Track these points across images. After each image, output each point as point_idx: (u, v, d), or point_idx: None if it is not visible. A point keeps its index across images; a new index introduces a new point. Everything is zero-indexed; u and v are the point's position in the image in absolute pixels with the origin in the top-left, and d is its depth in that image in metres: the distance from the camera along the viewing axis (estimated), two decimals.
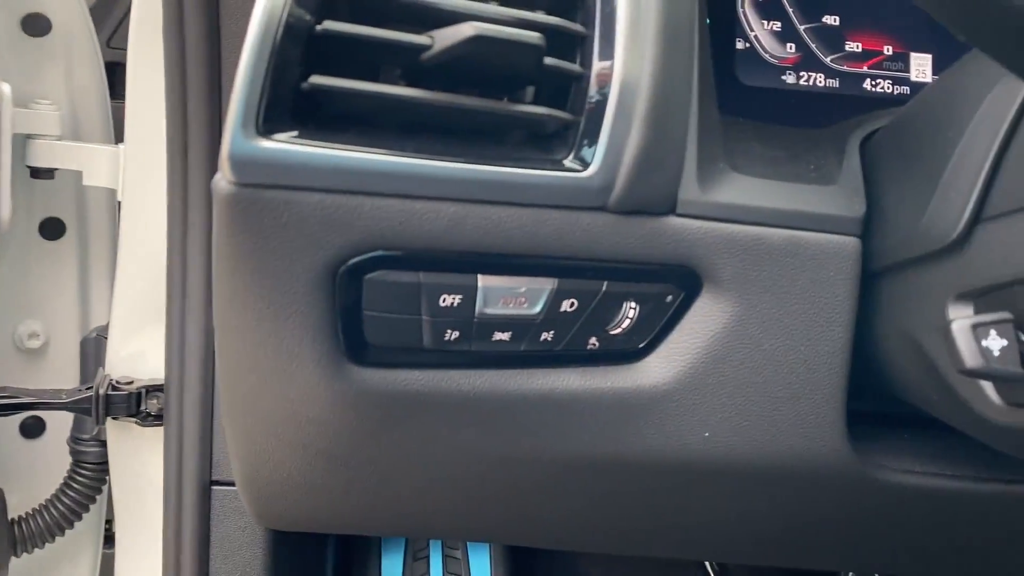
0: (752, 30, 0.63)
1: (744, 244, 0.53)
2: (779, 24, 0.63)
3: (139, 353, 0.90)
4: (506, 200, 0.47)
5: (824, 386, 0.56)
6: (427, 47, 0.43)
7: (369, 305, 0.46)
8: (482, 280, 0.48)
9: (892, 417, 0.65)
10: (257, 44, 0.40)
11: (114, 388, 0.87)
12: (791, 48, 0.63)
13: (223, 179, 0.42)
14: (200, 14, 0.72)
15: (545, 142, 0.49)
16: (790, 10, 0.63)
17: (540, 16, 0.47)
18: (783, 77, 0.63)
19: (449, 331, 0.49)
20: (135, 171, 0.88)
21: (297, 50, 0.41)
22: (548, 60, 0.46)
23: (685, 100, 0.50)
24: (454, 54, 0.42)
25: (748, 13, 0.63)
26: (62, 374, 1.05)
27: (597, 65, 0.48)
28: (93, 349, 0.96)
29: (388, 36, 0.42)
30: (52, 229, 1.00)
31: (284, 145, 0.41)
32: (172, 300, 0.80)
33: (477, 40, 0.41)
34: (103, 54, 1.01)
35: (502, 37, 0.42)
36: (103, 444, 0.95)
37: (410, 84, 0.46)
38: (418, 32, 0.45)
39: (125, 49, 0.86)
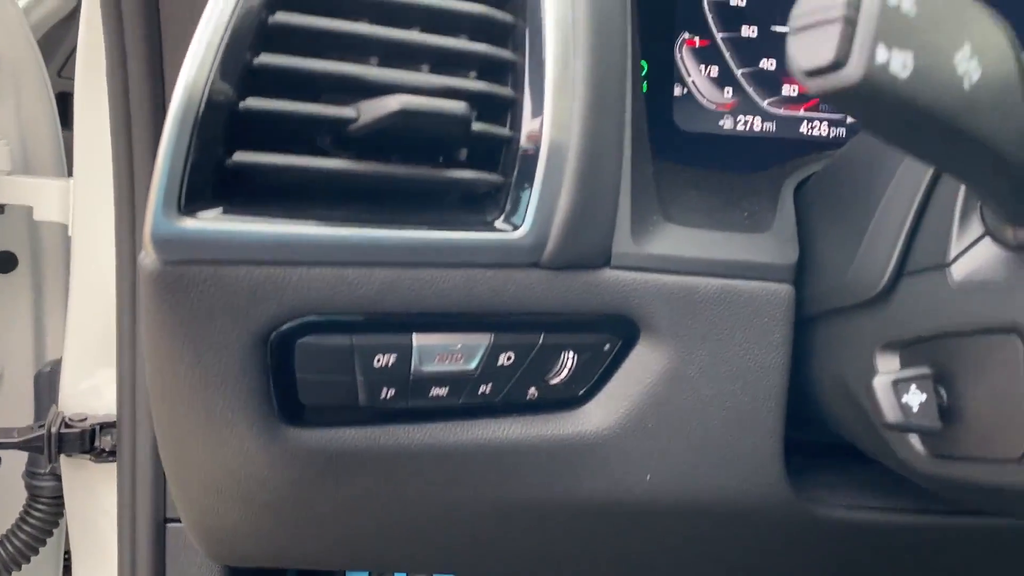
0: (689, 75, 0.64)
1: (678, 294, 0.54)
2: (716, 69, 0.64)
3: (93, 388, 0.90)
4: (438, 262, 0.47)
5: (761, 429, 0.57)
6: (354, 119, 0.43)
7: (302, 368, 0.47)
8: (417, 339, 0.49)
9: (831, 446, 0.66)
10: (178, 123, 0.40)
11: (67, 426, 0.86)
12: (728, 93, 0.64)
13: (147, 257, 0.42)
14: (142, 53, 0.72)
15: (477, 202, 0.50)
16: (727, 55, 0.64)
17: (469, 83, 0.47)
18: (720, 122, 0.64)
19: (385, 389, 0.49)
20: (85, 206, 0.88)
21: (220, 127, 0.41)
22: (476, 126, 0.46)
23: (615, 159, 0.51)
24: (381, 126, 0.43)
25: (685, 59, 0.63)
26: (17, 406, 1.05)
27: (526, 127, 0.48)
28: (47, 383, 0.95)
29: (313, 111, 0.43)
30: (4, 262, 1.00)
31: (207, 223, 0.42)
32: (123, 338, 0.79)
33: (403, 113, 0.42)
34: (54, 84, 1.01)
35: (428, 110, 0.42)
36: (58, 478, 0.95)
37: (341, 147, 0.46)
38: (348, 98, 0.45)
39: None
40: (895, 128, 0.33)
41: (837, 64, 0.30)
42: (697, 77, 0.64)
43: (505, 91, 0.48)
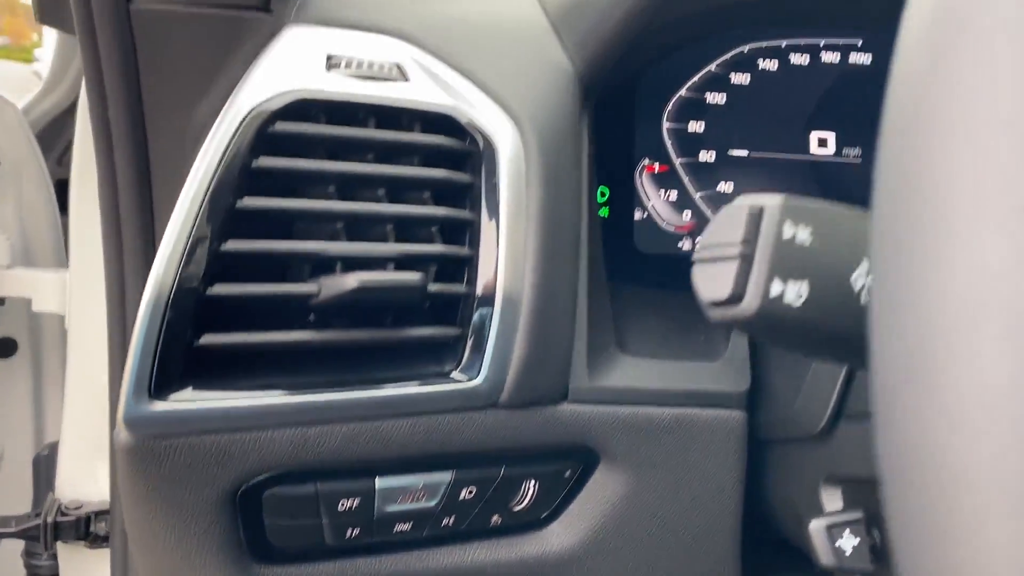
0: (649, 200, 0.66)
1: (635, 424, 0.57)
2: (675, 193, 0.67)
3: (89, 474, 0.92)
4: (396, 414, 0.50)
5: (718, 547, 0.60)
6: (316, 294, 0.46)
7: (269, 515, 0.49)
8: (379, 482, 0.51)
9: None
10: (148, 315, 0.43)
11: (62, 514, 0.89)
12: (687, 215, 0.67)
13: (121, 433, 0.45)
14: (128, 146, 0.74)
15: (436, 351, 0.52)
16: (685, 179, 0.67)
17: (427, 248, 0.50)
18: (679, 244, 0.67)
19: (350, 529, 0.52)
20: (80, 297, 0.91)
21: (189, 313, 0.44)
22: (433, 287, 0.49)
23: (569, 303, 0.54)
24: (341, 300, 0.46)
25: (645, 184, 0.66)
26: (17, 485, 1.08)
27: (482, 281, 0.51)
28: (45, 466, 0.98)
29: (277, 291, 0.46)
30: (4, 347, 1.03)
31: (177, 404, 0.45)
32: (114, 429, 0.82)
33: (361, 289, 0.45)
34: (53, 172, 1.04)
35: (384, 285, 0.45)
36: (56, 558, 0.98)
37: (305, 312, 0.49)
38: (314, 267, 0.48)
39: None
40: (795, 344, 0.35)
41: (734, 298, 0.33)
42: (656, 201, 0.67)
43: (462, 251, 0.51)
